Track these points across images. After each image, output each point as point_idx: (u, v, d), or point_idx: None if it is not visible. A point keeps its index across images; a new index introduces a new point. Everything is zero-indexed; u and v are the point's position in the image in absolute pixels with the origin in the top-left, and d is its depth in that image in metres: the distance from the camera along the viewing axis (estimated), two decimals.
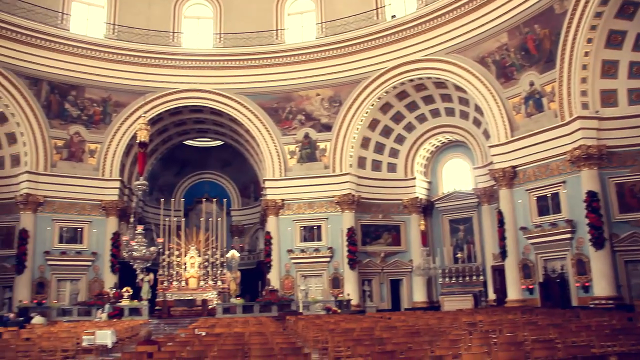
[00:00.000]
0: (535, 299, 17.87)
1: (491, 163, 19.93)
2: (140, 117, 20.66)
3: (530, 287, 18.04)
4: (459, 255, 23.04)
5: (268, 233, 23.75)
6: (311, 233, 23.34)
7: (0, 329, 12.77)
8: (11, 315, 17.02)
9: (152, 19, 23.59)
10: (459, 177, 24.41)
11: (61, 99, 22.59)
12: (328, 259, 22.86)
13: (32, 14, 21.77)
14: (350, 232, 22.55)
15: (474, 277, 22.31)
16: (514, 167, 18.82)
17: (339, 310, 19.83)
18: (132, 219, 18.73)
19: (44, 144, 21.91)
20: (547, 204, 17.69)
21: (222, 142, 28.64)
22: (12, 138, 21.94)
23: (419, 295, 23.40)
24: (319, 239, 23.14)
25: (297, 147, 23.96)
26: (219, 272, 23.16)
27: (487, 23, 19.28)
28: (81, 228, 22.41)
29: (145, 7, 23.64)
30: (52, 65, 22.21)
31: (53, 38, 22.14)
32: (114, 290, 20.57)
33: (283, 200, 23.57)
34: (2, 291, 21.25)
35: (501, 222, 19.09)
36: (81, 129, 22.86)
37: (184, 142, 28.63)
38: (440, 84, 21.73)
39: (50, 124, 22.17)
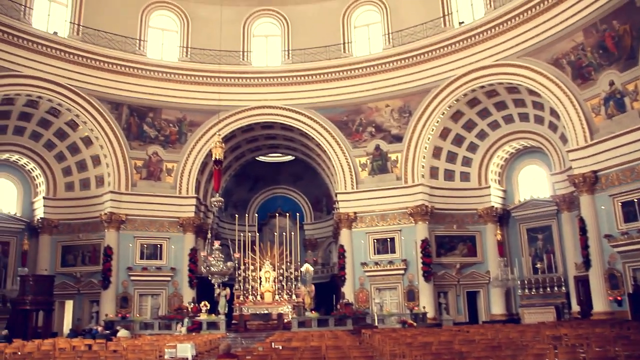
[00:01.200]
0: (624, 312, 16.89)
1: (570, 168, 19.14)
2: (214, 135, 21.44)
3: (619, 298, 17.08)
4: (538, 265, 22.17)
5: (341, 246, 23.76)
6: (385, 245, 23.15)
7: (90, 341, 13.39)
8: (99, 329, 17.80)
9: (223, 39, 24.29)
10: (535, 184, 23.52)
11: (140, 121, 23.59)
12: (402, 272, 22.59)
13: (114, 42, 22.98)
14: (425, 243, 22.20)
15: (556, 288, 21.36)
16: (594, 171, 17.96)
17: (415, 324, 19.49)
18: (209, 235, 19.30)
19: (125, 165, 22.92)
20: (635, 210, 16.74)
21: (294, 157, 29.00)
22: (96, 160, 23.11)
23: (497, 308, 22.68)
24: (393, 251, 22.91)
25: (368, 159, 23.91)
26: (293, 286, 23.35)
27: (560, 23, 18.60)
28: (160, 244, 23.23)
29: (216, 29, 24.34)
30: (132, 90, 23.33)
31: (132, 64, 23.27)
32: (192, 305, 21.15)
33: (355, 213, 23.54)
34: (90, 305, 22.38)
35: (583, 230, 18.23)
36: (159, 149, 23.76)
37: (257, 158, 29.19)
38: (512, 89, 21.13)
39: (130, 146, 23.18)
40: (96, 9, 23.10)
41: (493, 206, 23.18)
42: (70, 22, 22.50)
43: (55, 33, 21.86)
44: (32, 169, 23.34)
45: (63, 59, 21.78)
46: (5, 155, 22.78)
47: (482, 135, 23.42)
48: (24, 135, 22.64)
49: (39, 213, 22.89)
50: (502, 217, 23.53)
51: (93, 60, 22.44)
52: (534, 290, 21.81)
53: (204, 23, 24.92)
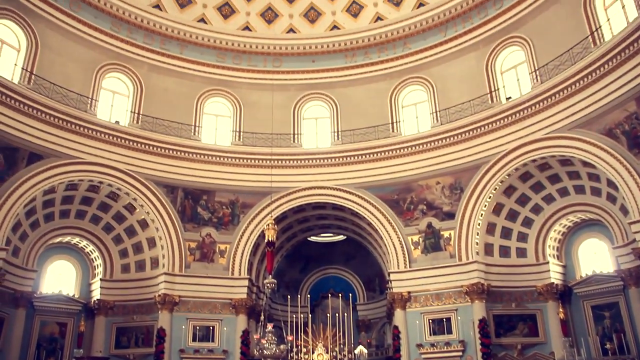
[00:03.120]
0: None
1: (634, 241, 18.31)
2: (266, 216, 21.77)
3: None
4: (607, 346, 20.72)
5: (396, 327, 23.06)
6: (440, 326, 22.31)
7: None
8: None
9: (274, 123, 25.15)
10: (597, 258, 22.47)
11: (194, 203, 24.19)
12: (460, 353, 21.58)
13: (170, 129, 24.12)
14: (482, 323, 21.28)
15: None
16: None
17: None
18: (261, 317, 19.11)
19: (179, 247, 23.33)
20: None
21: (345, 237, 28.90)
22: (152, 242, 23.64)
23: None
24: (449, 332, 22.01)
25: (420, 237, 23.57)
26: None
27: (610, 93, 18.42)
28: (213, 326, 23.07)
29: (268, 113, 25.33)
30: (187, 173, 24.11)
31: (187, 149, 24.20)
32: None
33: (409, 292, 22.98)
34: None
35: None
36: (212, 230, 24.15)
37: (308, 239, 29.23)
38: (565, 162, 20.77)
39: (184, 228, 23.68)
40: (154, 98, 24.49)
41: (553, 283, 22.18)
42: (131, 112, 23.85)
43: (117, 122, 23.17)
44: (91, 251, 24.05)
45: (123, 146, 22.91)
46: (67, 238, 23.62)
47: (536, 210, 22.85)
48: (84, 218, 23.54)
49: (96, 294, 23.32)
50: (564, 294, 22.41)
51: (151, 146, 23.49)
52: None
53: (256, 108, 25.97)
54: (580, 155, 19.66)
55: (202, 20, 26.33)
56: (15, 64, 20.83)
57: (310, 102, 26.77)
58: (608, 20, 19.57)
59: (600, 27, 19.54)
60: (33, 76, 20.94)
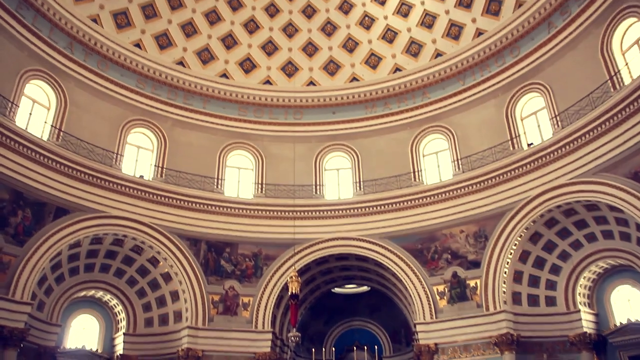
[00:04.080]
0: None
1: None
2: (290, 268, 21.66)
3: None
4: None
5: None
6: None
7: None
8: None
9: (296, 174, 25.36)
10: (632, 305, 21.75)
11: (217, 256, 24.19)
12: None
13: (193, 182, 24.43)
14: None
15: None
16: None
17: None
18: None
19: (202, 300, 23.19)
20: None
21: (369, 288, 28.52)
22: (175, 296, 23.56)
23: None
24: None
25: (446, 287, 23.15)
26: None
27: (634, 137, 18.22)
28: None
29: (289, 165, 25.55)
30: (210, 226, 24.23)
31: (210, 202, 24.40)
32: None
33: (436, 344, 22.40)
34: None
35: None
36: (235, 283, 24.03)
37: (332, 290, 28.89)
38: (591, 207, 20.43)
39: (207, 281, 23.60)
40: (178, 152, 24.92)
41: (585, 332, 21.40)
42: (155, 166, 24.27)
43: (141, 176, 23.58)
44: (114, 305, 24.03)
45: (147, 199, 23.19)
46: (92, 292, 23.68)
47: (564, 256, 22.35)
48: (109, 272, 23.63)
49: (119, 349, 23.12)
50: (598, 344, 21.57)
51: (174, 199, 23.75)
52: None
53: (278, 160, 26.24)
54: (607, 200, 19.34)
55: (224, 75, 27.07)
56: (45, 122, 21.49)
57: (332, 153, 26.97)
58: (626, 64, 19.59)
59: (619, 71, 19.56)
60: (61, 133, 21.57)
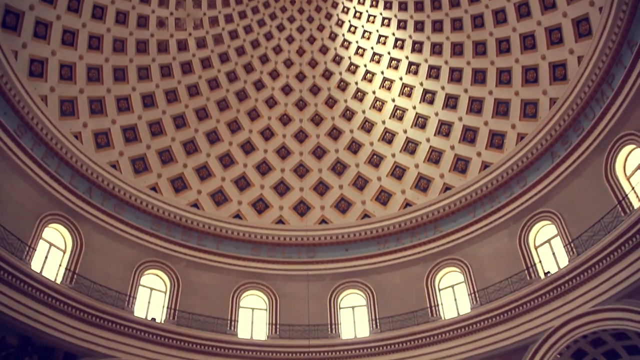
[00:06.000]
0: None
1: None
2: None
3: None
4: None
5: None
6: None
7: None
8: None
9: (311, 313, 24.77)
10: None
11: None
12: None
13: (206, 324, 23.93)
14: None
15: None
16: None
17: None
18: None
19: None
20: None
21: None
22: None
23: None
24: None
25: None
26: None
27: None
28: None
29: (303, 304, 25.01)
30: None
31: (223, 344, 23.68)
32: None
33: None
34: None
35: None
36: None
37: None
38: (620, 335, 19.46)
39: None
40: (191, 294, 24.67)
41: None
42: (167, 308, 23.91)
43: (153, 319, 23.15)
44: None
45: (159, 343, 22.50)
46: None
47: None
48: None
49: None
50: None
51: (187, 342, 23.04)
52: None
53: (291, 299, 25.83)
54: (635, 327, 18.51)
55: (237, 216, 27.63)
56: (60, 265, 21.68)
57: (346, 291, 26.60)
58: (632, 188, 19.86)
59: (626, 195, 19.75)
60: (75, 275, 21.60)
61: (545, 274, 22.00)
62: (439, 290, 25.25)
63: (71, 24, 24.19)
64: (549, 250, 22.75)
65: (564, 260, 21.58)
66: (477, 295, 23.63)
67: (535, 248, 23.25)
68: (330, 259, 27.32)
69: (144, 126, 26.70)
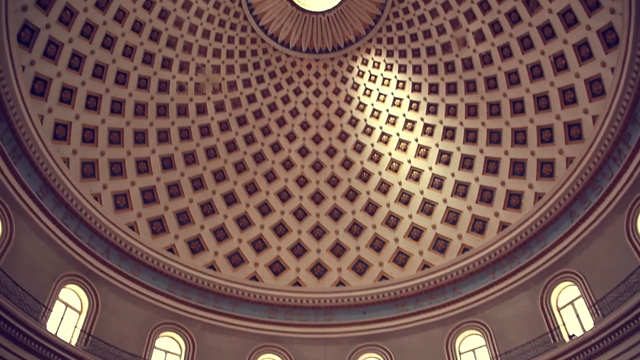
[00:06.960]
0: None
1: None
2: None
3: None
4: None
5: None
6: None
7: None
8: None
9: None
10: None
11: None
12: None
13: None
14: None
15: None
16: None
17: None
18: None
19: None
20: None
21: None
22: None
23: None
24: None
25: None
26: None
27: None
28: None
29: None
30: None
31: None
32: None
33: None
34: None
35: None
36: None
37: None
38: None
39: None
40: (206, 357, 24.06)
41: None
42: None
43: None
44: None
45: None
46: None
47: None
48: None
49: None
50: None
51: None
52: None
53: None
54: None
55: (254, 277, 27.37)
56: (75, 326, 21.44)
57: (364, 355, 25.88)
58: None
59: None
60: (90, 337, 21.31)
61: (570, 336, 21.31)
62: (460, 354, 24.49)
63: (95, 89, 24.95)
64: (572, 312, 22.10)
65: (588, 323, 20.90)
66: (499, 359, 22.86)
67: (558, 310, 22.61)
68: (347, 322, 26.74)
69: (162, 188, 26.99)
